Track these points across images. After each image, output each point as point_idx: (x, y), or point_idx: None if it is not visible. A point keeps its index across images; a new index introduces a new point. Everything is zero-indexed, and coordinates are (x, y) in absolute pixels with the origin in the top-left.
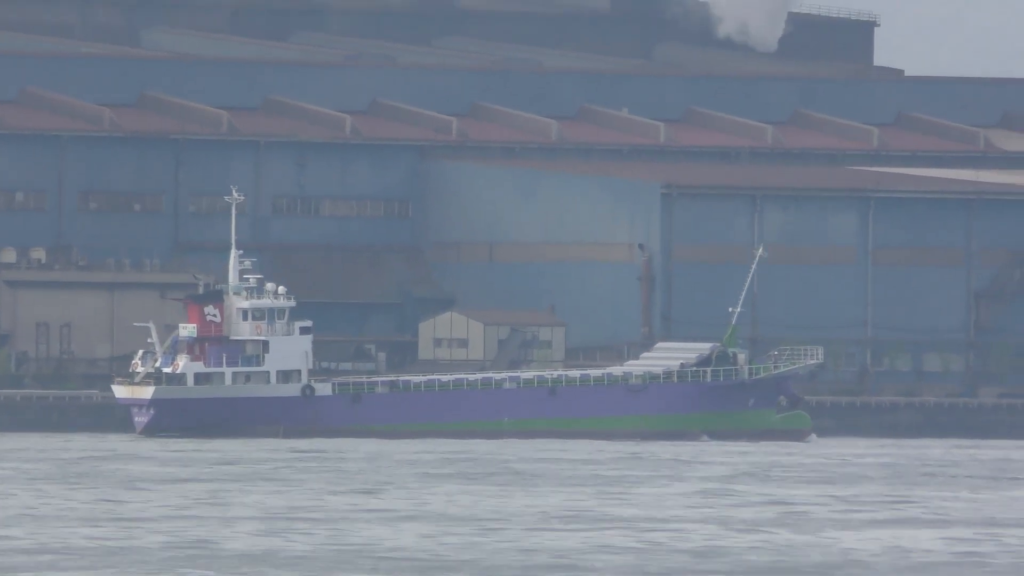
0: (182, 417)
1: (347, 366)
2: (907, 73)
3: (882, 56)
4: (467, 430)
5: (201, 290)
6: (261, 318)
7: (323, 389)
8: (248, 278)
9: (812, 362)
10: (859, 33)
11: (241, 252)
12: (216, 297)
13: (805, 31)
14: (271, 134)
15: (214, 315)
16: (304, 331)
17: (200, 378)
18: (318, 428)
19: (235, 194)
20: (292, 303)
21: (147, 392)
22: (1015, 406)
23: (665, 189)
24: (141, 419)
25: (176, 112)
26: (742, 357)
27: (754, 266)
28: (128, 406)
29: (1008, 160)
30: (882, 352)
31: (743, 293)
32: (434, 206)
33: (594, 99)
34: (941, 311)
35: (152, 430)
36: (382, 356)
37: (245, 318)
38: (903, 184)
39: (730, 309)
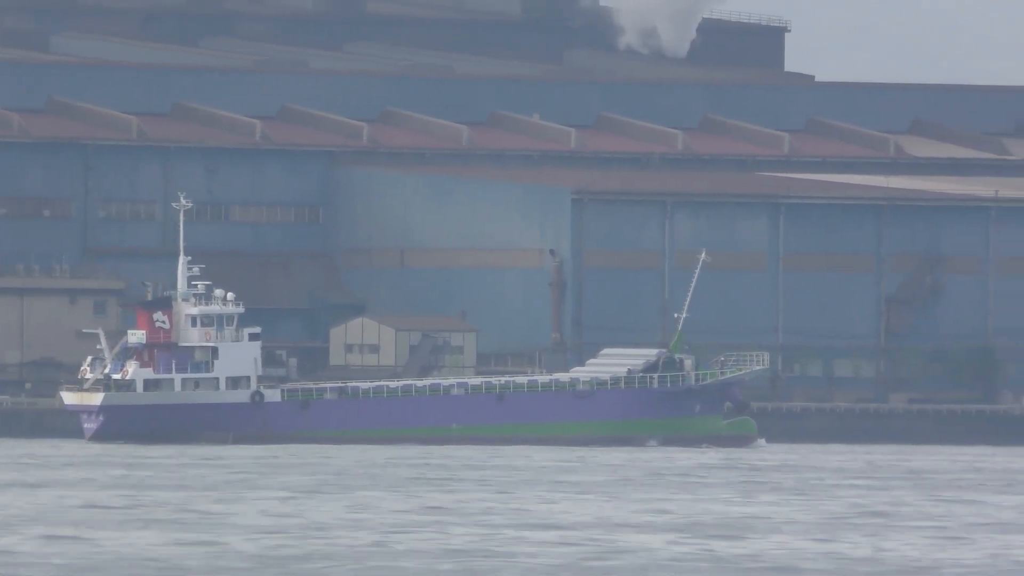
0: (131, 424)
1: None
2: (818, 79)
3: (793, 62)
4: (416, 436)
5: (149, 296)
6: (210, 324)
7: (272, 395)
8: (196, 284)
9: (758, 367)
10: (770, 39)
11: (189, 259)
12: (165, 303)
13: (716, 37)
14: (181, 140)
15: (163, 321)
16: (253, 337)
17: (149, 384)
18: (267, 435)
19: (183, 200)
20: (241, 309)
21: (96, 399)
22: (925, 411)
23: (576, 195)
24: (90, 425)
25: (85, 117)
26: (689, 363)
27: (698, 270)
28: (77, 413)
29: (918, 166)
30: (793, 358)
31: (688, 298)
32: (345, 212)
33: (505, 105)
34: (852, 317)
35: (101, 436)
36: (293, 362)
37: (194, 324)
38: (814, 190)
39: (676, 315)
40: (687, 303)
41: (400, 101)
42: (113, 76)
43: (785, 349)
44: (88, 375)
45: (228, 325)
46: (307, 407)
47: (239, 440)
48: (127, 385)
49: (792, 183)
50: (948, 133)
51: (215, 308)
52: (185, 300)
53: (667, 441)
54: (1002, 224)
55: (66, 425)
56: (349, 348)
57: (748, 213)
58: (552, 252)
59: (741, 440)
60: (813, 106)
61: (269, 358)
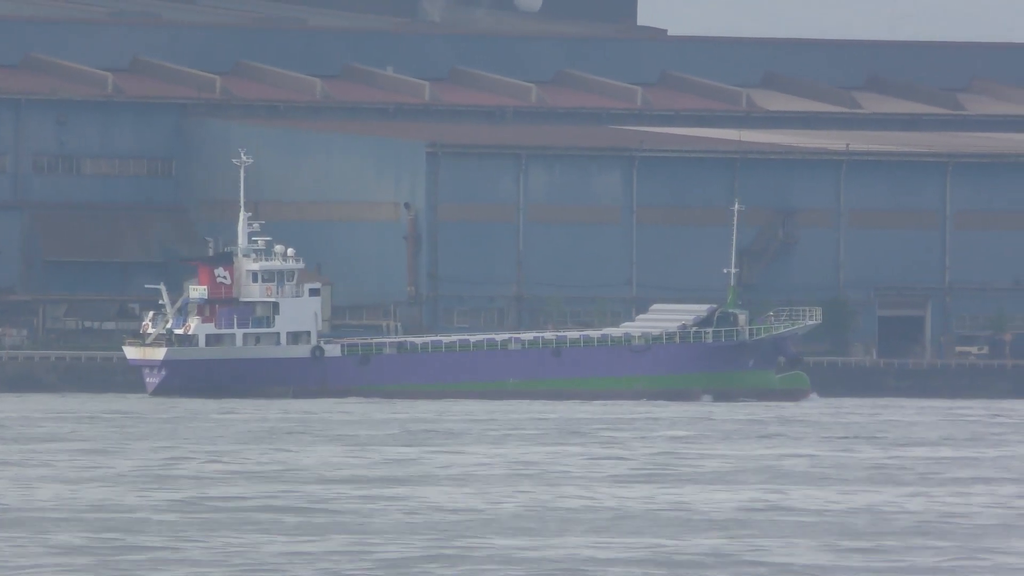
0: (193, 378)
1: (111, 325)
2: (670, 33)
3: (645, 16)
4: (473, 391)
5: (211, 252)
6: (271, 280)
7: (332, 350)
8: (257, 240)
9: (811, 322)
10: None
11: (250, 214)
12: (226, 259)
13: None
14: (31, 92)
15: (224, 277)
16: (313, 293)
17: (211, 339)
18: (327, 389)
19: (243, 157)
20: (301, 265)
21: (159, 353)
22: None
23: (430, 148)
24: (153, 380)
25: None
26: (742, 318)
27: (735, 223)
28: (139, 367)
29: (770, 119)
30: (647, 310)
31: (732, 253)
32: (198, 165)
33: (359, 58)
34: (705, 269)
35: (163, 391)
36: (148, 315)
37: (255, 280)
38: (667, 143)
39: (724, 270)
40: (732, 257)
41: (253, 54)
42: None
43: (639, 302)
44: (150, 330)
45: (288, 280)
46: (367, 362)
47: (299, 395)
48: (189, 340)
49: (645, 136)
50: (800, 87)
51: (276, 264)
52: (246, 256)
53: (720, 396)
54: (853, 177)
55: (126, 380)
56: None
57: (602, 167)
58: (407, 205)
59: (794, 394)
60: (666, 60)
61: (123, 312)
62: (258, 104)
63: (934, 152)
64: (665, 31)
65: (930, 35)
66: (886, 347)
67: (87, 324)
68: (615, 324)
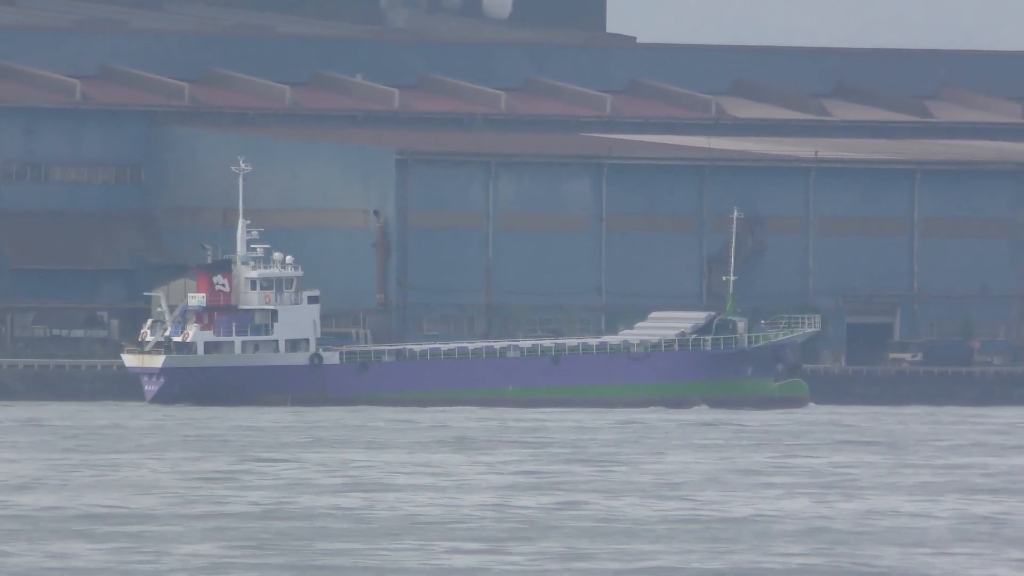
0: (192, 386)
1: (79, 333)
2: (639, 40)
3: (615, 23)
4: (472, 398)
5: (209, 260)
6: (269, 287)
7: (331, 358)
8: (255, 247)
9: (810, 330)
10: (591, 0)
11: (248, 222)
12: (225, 267)
13: None
14: None
15: (223, 284)
16: (312, 300)
17: (210, 347)
18: (326, 397)
19: (242, 164)
20: (300, 273)
21: (157, 361)
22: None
23: (400, 155)
24: (151, 388)
25: None
26: (741, 326)
27: (733, 227)
28: (138, 375)
29: (739, 127)
30: (616, 318)
31: (731, 262)
32: (167, 172)
33: (328, 65)
34: (675, 277)
35: (162, 399)
36: (115, 323)
37: (254, 287)
38: (636, 151)
39: (723, 278)
40: (731, 266)
41: (222, 61)
42: None
43: (609, 309)
44: (149, 338)
45: (287, 288)
46: (366, 369)
47: (298, 402)
48: (187, 347)
49: (615, 144)
50: (769, 94)
51: (274, 271)
52: (245, 263)
53: (718, 404)
54: (822, 184)
55: (126, 388)
56: (172, 309)
57: (571, 174)
58: (376, 213)
59: (793, 402)
60: (635, 67)
61: (91, 320)
62: (227, 111)
63: (903, 159)
64: (634, 38)
65: (899, 43)
66: (854, 354)
67: (55, 332)
68: (584, 332)
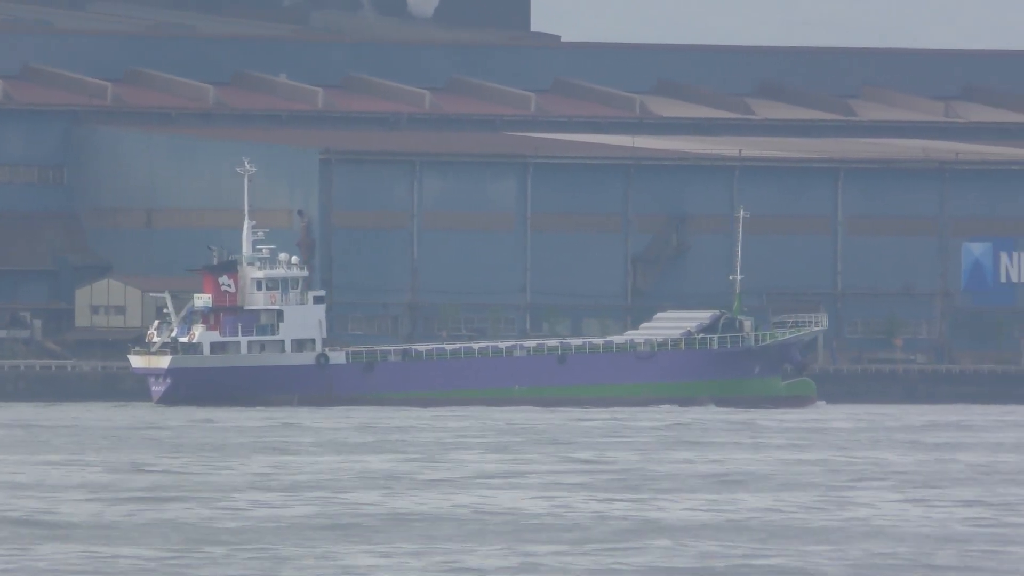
0: (198, 386)
1: (2, 333)
2: (564, 39)
3: (539, 22)
4: (479, 398)
5: (215, 261)
6: (275, 288)
7: (337, 358)
8: (261, 248)
9: (817, 329)
10: None
11: (254, 223)
12: (230, 267)
13: None
14: None
15: (228, 285)
16: (318, 300)
17: (216, 347)
18: (332, 396)
19: (247, 165)
20: (305, 273)
21: (164, 362)
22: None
23: (324, 155)
24: (158, 388)
25: None
26: (748, 324)
27: (740, 231)
28: (144, 376)
29: (663, 126)
30: (541, 317)
31: (738, 260)
32: (90, 172)
33: (251, 65)
34: (599, 276)
35: (168, 399)
36: (38, 323)
37: (259, 288)
38: (561, 150)
39: (730, 277)
40: (738, 264)
41: (145, 61)
42: None
43: (533, 309)
44: (155, 339)
45: (293, 288)
46: (372, 369)
47: (304, 402)
48: (194, 348)
49: (539, 143)
50: (693, 93)
51: (280, 271)
52: (250, 264)
53: (725, 403)
54: (746, 183)
55: (132, 388)
56: (95, 309)
57: (496, 173)
58: (300, 212)
59: (801, 401)
60: (559, 66)
61: (14, 320)
62: (150, 111)
63: (826, 158)
64: (558, 37)
65: (822, 42)
66: None
67: None
68: (509, 332)
